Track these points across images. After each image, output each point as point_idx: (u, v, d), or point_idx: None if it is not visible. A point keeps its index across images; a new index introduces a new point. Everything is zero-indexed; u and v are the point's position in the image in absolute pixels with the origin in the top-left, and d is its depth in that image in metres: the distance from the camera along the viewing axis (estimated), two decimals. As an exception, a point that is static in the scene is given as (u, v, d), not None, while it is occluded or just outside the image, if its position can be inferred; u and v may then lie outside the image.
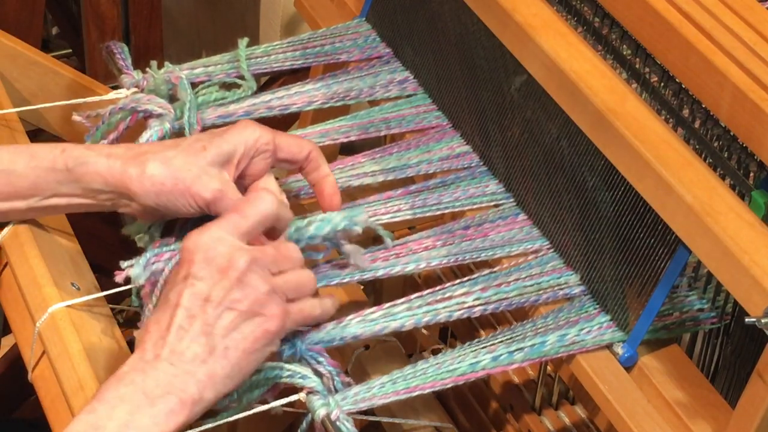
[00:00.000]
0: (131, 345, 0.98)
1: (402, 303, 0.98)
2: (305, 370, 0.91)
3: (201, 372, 0.83)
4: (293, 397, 0.91)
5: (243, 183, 0.99)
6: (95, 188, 0.97)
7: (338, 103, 1.19)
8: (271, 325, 0.87)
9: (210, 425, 0.89)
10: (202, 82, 1.18)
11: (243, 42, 1.20)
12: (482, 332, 1.25)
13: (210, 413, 0.91)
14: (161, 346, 0.84)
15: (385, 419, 0.97)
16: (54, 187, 0.97)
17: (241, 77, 1.18)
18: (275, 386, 0.91)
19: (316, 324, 0.95)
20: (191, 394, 0.83)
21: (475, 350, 0.96)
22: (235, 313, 0.86)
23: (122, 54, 1.17)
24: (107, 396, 0.81)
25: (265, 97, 1.17)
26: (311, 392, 0.90)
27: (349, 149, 1.23)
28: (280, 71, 1.24)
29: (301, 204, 1.19)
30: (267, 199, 0.92)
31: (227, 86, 1.19)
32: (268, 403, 0.91)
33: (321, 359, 0.92)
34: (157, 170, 0.94)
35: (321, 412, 0.89)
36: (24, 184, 0.97)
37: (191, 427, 0.88)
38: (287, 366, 0.91)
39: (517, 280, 1.02)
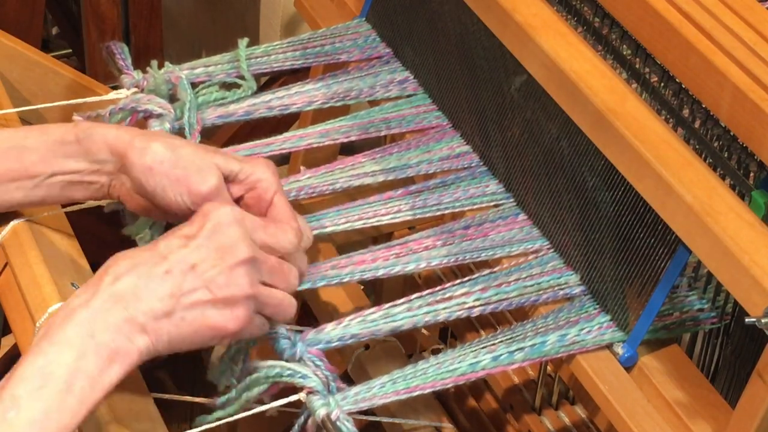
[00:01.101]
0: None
1: (402, 303, 0.98)
2: (306, 370, 0.91)
3: (150, 327, 0.83)
4: (293, 397, 0.91)
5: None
6: (100, 158, 0.96)
7: (338, 103, 1.19)
8: (230, 325, 0.86)
9: (210, 425, 0.89)
10: (202, 82, 1.18)
11: (243, 42, 1.20)
12: (482, 332, 1.25)
13: (209, 411, 0.91)
14: (124, 286, 0.83)
15: (385, 419, 0.97)
16: (61, 162, 0.97)
17: (241, 77, 1.18)
18: (275, 385, 0.91)
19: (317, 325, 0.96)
20: (137, 344, 0.82)
21: (476, 350, 0.96)
22: (209, 295, 0.85)
23: (122, 54, 1.17)
24: (56, 337, 0.81)
25: (265, 97, 1.17)
26: (311, 392, 0.90)
27: (349, 149, 1.23)
28: (280, 71, 1.24)
29: (302, 204, 1.19)
30: (291, 237, 0.92)
31: (227, 86, 1.19)
32: (267, 402, 0.91)
33: (319, 363, 0.92)
34: (161, 149, 0.94)
35: (321, 412, 0.89)
36: (33, 158, 0.97)
37: (191, 426, 0.88)
38: (288, 365, 0.91)
39: (517, 280, 1.02)
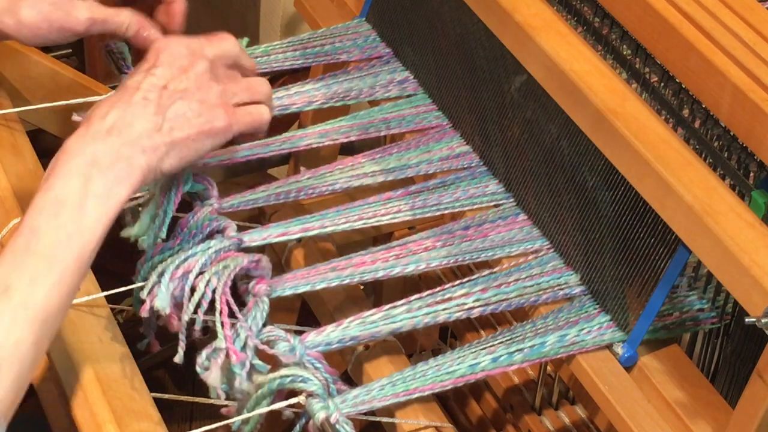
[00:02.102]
0: (130, 344, 0.99)
1: (401, 305, 0.98)
2: (305, 373, 0.91)
3: (146, 145, 0.90)
4: (293, 400, 0.91)
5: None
6: None
7: (338, 103, 1.19)
8: (217, 122, 0.94)
9: (211, 426, 0.90)
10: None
11: (243, 42, 1.20)
12: (482, 332, 1.26)
13: (209, 411, 0.92)
14: (112, 120, 0.90)
15: (385, 419, 0.97)
16: None
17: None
18: (280, 392, 0.91)
19: (317, 327, 0.96)
20: (138, 162, 0.89)
21: (475, 352, 0.96)
22: (188, 103, 0.93)
23: (122, 54, 1.17)
24: (61, 171, 0.86)
25: (265, 97, 1.17)
26: (311, 395, 0.90)
27: (349, 150, 1.22)
28: (280, 71, 1.24)
29: (302, 204, 1.19)
30: (231, 40, 1.00)
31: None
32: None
33: (319, 366, 0.92)
34: (31, 16, 1.01)
35: (320, 416, 0.89)
36: None
37: (191, 427, 0.88)
38: (287, 372, 0.91)
39: (517, 280, 1.02)
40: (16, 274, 0.82)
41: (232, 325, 0.93)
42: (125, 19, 1.04)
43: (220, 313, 0.93)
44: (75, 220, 0.85)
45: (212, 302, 0.94)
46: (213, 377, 0.91)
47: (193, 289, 0.95)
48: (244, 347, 0.92)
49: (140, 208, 1.05)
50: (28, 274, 0.82)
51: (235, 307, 0.94)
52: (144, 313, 0.94)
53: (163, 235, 1.00)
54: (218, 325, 0.93)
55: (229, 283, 0.96)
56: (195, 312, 0.94)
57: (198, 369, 0.92)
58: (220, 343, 0.92)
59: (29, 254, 0.82)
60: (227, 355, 0.91)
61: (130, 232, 1.03)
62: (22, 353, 0.81)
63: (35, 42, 1.05)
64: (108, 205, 0.87)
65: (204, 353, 0.92)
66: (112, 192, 0.87)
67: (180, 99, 0.93)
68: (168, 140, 0.91)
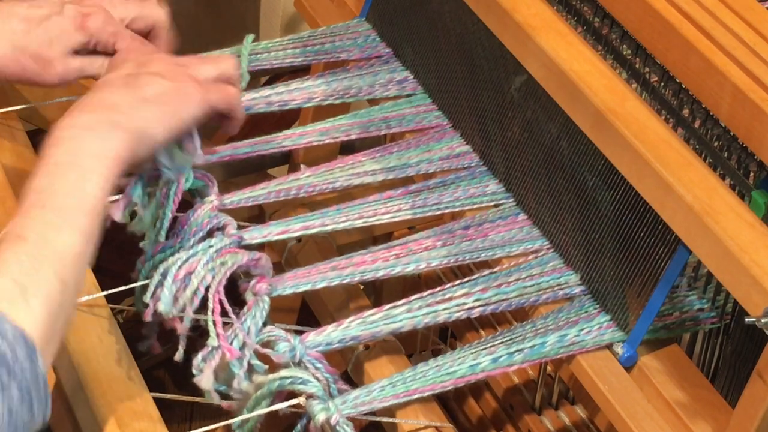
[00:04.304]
0: (131, 344, 0.99)
1: (402, 305, 0.98)
2: (305, 374, 0.91)
3: (129, 111, 0.93)
4: (293, 401, 0.91)
5: None
6: None
7: (338, 101, 1.19)
8: (192, 93, 0.98)
9: (211, 427, 0.90)
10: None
11: (249, 38, 1.21)
12: (482, 332, 1.26)
13: (209, 411, 0.91)
14: (94, 100, 0.95)
15: (385, 419, 0.97)
16: None
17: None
18: (280, 393, 0.91)
19: (317, 327, 0.96)
20: (126, 125, 0.92)
21: (475, 352, 0.96)
22: (159, 79, 0.97)
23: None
24: (55, 142, 0.90)
25: (265, 92, 1.17)
26: (311, 396, 0.90)
27: (349, 148, 1.22)
28: (280, 68, 1.24)
29: (302, 202, 1.19)
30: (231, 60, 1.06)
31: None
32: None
33: (319, 365, 0.92)
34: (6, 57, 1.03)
35: (321, 417, 0.89)
36: None
37: (191, 427, 0.88)
38: (287, 373, 0.91)
39: (517, 280, 1.02)
40: (31, 224, 0.84)
41: (231, 325, 0.93)
42: (99, 68, 1.07)
43: (212, 311, 0.93)
44: (76, 174, 0.88)
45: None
46: (205, 380, 0.91)
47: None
48: (242, 347, 0.92)
49: (136, 207, 1.05)
50: (42, 224, 0.84)
51: (227, 306, 0.94)
52: (148, 317, 0.94)
53: (162, 238, 1.00)
54: (210, 323, 0.93)
55: (224, 281, 0.96)
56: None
57: (194, 371, 0.92)
58: (212, 341, 0.92)
59: (39, 208, 0.85)
60: (222, 354, 0.91)
61: (132, 227, 1.04)
62: (49, 290, 0.82)
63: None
64: (105, 159, 0.89)
65: (200, 355, 0.92)
66: (105, 148, 0.90)
67: (152, 76, 0.98)
68: (150, 107, 0.95)
